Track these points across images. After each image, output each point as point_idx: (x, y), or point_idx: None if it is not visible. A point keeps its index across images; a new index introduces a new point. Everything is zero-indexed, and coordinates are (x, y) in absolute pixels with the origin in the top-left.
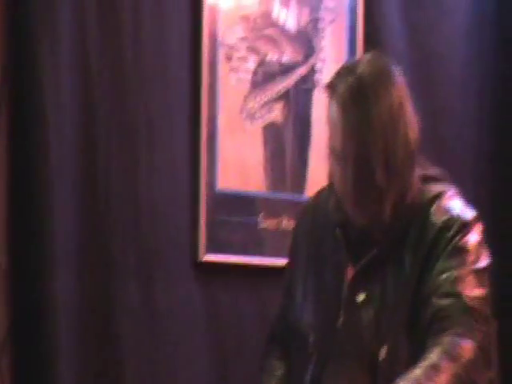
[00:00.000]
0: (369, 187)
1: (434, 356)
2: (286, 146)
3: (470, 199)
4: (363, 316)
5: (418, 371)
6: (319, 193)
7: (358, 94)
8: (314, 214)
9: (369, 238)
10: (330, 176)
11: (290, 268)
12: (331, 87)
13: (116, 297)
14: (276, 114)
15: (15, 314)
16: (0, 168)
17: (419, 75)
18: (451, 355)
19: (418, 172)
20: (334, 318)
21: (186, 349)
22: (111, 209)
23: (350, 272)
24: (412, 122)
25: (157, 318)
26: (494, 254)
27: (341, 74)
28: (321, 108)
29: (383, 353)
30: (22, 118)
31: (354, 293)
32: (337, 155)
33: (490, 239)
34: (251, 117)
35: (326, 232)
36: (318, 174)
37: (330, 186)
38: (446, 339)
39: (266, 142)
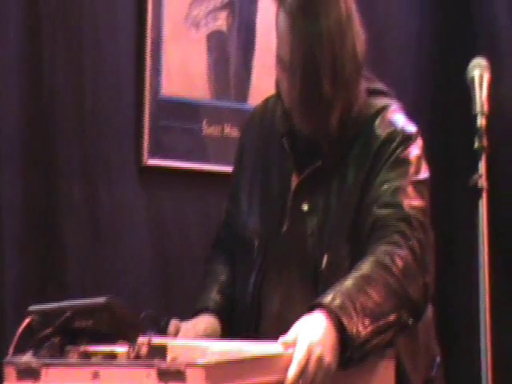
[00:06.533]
0: (316, 98)
1: (365, 266)
2: (230, 54)
3: (411, 113)
4: (307, 225)
5: (348, 282)
6: (267, 100)
7: (307, 5)
8: (261, 122)
9: (315, 149)
10: (278, 84)
11: (236, 174)
12: None
13: (60, 197)
14: (221, 22)
15: None
16: None
17: None
18: (383, 265)
19: (364, 85)
20: (278, 224)
21: (128, 252)
22: (55, 113)
23: (294, 181)
24: (360, 34)
25: (100, 220)
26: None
27: None
28: (266, 16)
29: (324, 261)
30: None
31: (298, 202)
32: (284, 65)
33: (430, 151)
34: (196, 24)
35: (272, 140)
36: (262, 82)
37: (278, 94)
38: (381, 248)
39: (210, 50)
